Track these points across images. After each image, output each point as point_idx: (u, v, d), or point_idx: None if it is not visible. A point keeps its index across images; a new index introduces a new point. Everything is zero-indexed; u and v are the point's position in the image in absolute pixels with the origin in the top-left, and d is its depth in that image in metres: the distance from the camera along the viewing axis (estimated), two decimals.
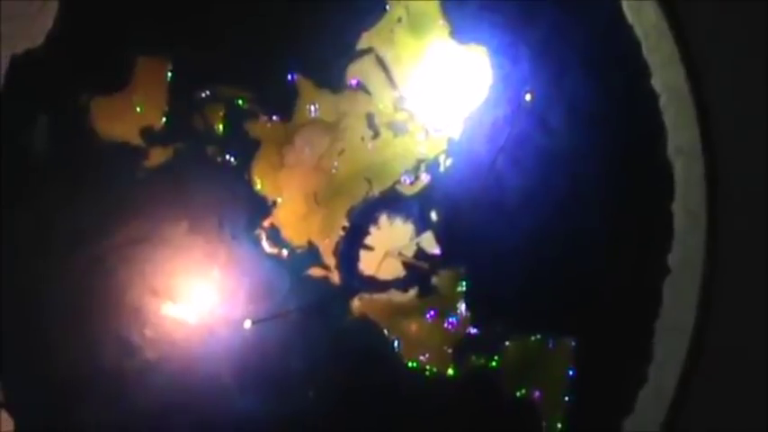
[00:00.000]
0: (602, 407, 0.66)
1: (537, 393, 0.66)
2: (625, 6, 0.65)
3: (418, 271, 0.64)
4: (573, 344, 0.66)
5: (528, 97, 0.63)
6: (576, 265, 0.66)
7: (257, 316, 0.62)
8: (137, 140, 0.61)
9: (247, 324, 0.61)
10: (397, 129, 0.63)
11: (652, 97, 0.65)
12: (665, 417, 0.66)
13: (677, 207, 0.66)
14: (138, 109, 0.60)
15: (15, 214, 0.59)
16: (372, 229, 0.64)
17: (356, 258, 0.64)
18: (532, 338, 0.65)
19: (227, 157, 0.62)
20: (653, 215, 0.66)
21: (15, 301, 0.59)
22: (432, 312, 0.65)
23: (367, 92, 0.63)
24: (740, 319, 0.66)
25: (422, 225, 0.64)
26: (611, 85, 0.65)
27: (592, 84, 0.65)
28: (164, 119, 0.61)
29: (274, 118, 0.62)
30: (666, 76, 0.65)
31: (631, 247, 0.66)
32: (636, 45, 0.65)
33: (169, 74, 0.61)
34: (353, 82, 0.63)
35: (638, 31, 0.65)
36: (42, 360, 0.60)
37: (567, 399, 0.66)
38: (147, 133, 0.61)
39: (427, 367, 0.65)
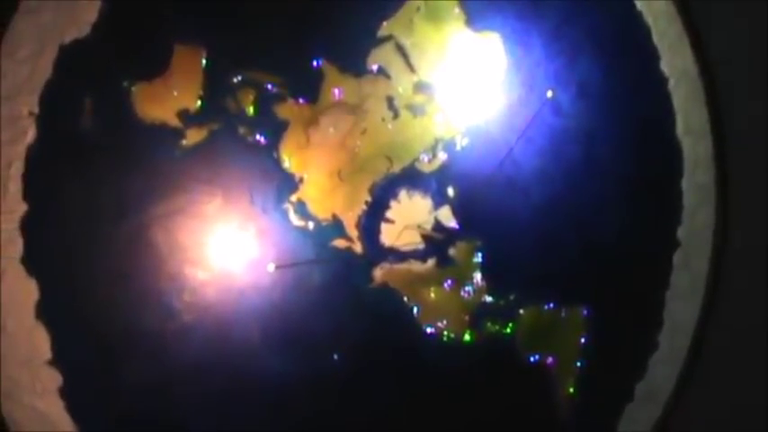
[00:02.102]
0: (614, 372, 0.71)
1: (550, 359, 0.71)
2: None
3: (435, 242, 0.68)
4: (585, 312, 0.70)
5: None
6: (589, 238, 0.70)
7: (283, 283, 0.67)
8: (174, 122, 0.66)
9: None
10: (415, 110, 0.68)
11: (662, 80, 0.69)
12: (675, 382, 0.70)
13: (686, 183, 0.70)
14: (175, 93, 0.66)
15: (66, 188, 0.65)
16: (393, 204, 0.69)
17: (378, 231, 0.68)
18: (545, 307, 0.70)
19: (258, 137, 0.67)
20: (663, 191, 0.70)
21: (66, 266, 0.65)
22: (449, 281, 0.69)
23: (387, 76, 0.68)
24: (747, 289, 0.70)
25: (439, 200, 0.69)
26: (622, 68, 0.69)
27: (603, 68, 0.69)
28: (199, 102, 0.66)
29: (301, 101, 0.67)
30: (675, 59, 0.69)
31: (643, 221, 0.70)
32: (645, 30, 0.69)
33: (204, 60, 0.66)
34: (375, 67, 0.68)
35: (648, 17, 0.69)
36: (89, 321, 0.66)
37: (579, 364, 0.70)
38: (183, 115, 0.67)
39: (445, 333, 0.69)
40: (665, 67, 0.69)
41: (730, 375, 0.71)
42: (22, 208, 0.64)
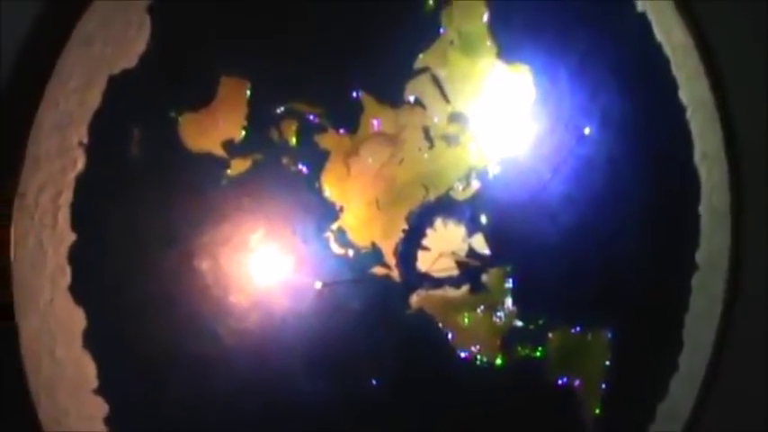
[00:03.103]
0: (637, 393, 0.97)
1: (577, 382, 1.01)
2: (654, 27, 0.99)
3: (469, 268, 0.99)
4: (609, 335, 1.02)
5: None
6: (612, 262, 1.01)
7: (324, 310, 0.96)
8: (219, 152, 0.93)
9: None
10: (450, 140, 0.98)
11: (680, 109, 1.00)
12: (694, 401, 1.03)
13: (703, 208, 1.02)
14: (220, 123, 0.94)
15: (113, 217, 0.91)
16: (429, 231, 0.99)
17: (414, 258, 0.98)
18: (572, 330, 1.01)
19: (300, 166, 0.96)
20: (682, 216, 1.01)
21: (112, 295, 0.92)
22: (482, 307, 1.00)
23: (423, 107, 0.96)
24: (764, 309, 1.03)
25: (473, 227, 0.98)
26: (643, 99, 0.99)
27: (625, 99, 1.00)
28: (243, 132, 0.95)
29: (341, 131, 0.96)
30: (692, 89, 1.00)
31: (663, 245, 1.02)
32: (665, 62, 1.01)
33: (248, 92, 0.95)
34: (411, 98, 0.94)
35: (667, 49, 1.00)
36: (135, 349, 0.91)
37: (604, 386, 1.02)
38: (228, 145, 0.94)
39: (478, 357, 1.00)
40: (682, 96, 0.95)
41: (747, 395, 1.05)
42: (71, 237, 0.86)
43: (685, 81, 0.97)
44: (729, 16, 0.95)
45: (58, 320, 0.86)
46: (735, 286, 0.98)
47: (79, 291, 0.87)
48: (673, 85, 0.97)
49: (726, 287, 0.98)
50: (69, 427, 0.87)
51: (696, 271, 0.98)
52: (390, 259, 0.91)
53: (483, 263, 0.92)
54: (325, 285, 0.88)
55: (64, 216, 0.86)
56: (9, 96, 0.85)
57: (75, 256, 0.87)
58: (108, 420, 0.88)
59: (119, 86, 0.88)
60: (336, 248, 0.91)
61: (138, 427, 0.88)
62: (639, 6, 0.94)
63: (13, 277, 0.85)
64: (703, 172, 0.96)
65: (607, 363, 0.96)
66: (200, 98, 0.90)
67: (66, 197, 0.86)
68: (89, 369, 0.88)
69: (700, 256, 0.98)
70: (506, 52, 0.93)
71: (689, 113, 0.97)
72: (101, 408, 0.87)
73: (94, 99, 0.87)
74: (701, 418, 0.97)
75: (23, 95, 0.85)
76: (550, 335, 0.96)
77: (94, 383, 0.89)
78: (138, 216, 0.88)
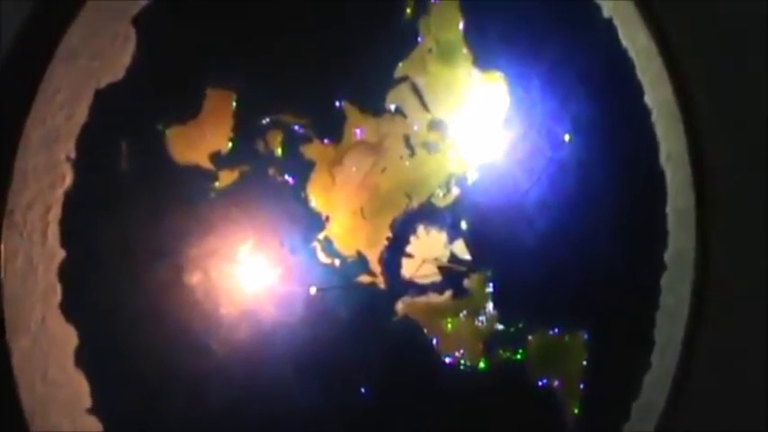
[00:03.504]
0: (613, 392, 1.10)
1: (556, 382, 1.17)
2: (620, 32, 1.16)
3: (455, 273, 1.15)
4: (585, 336, 1.19)
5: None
6: (587, 265, 1.16)
7: (312, 319, 1.10)
8: (207, 164, 1.05)
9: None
10: (430, 148, 1.12)
11: (646, 112, 1.20)
12: (667, 398, 1.21)
13: (670, 209, 1.21)
14: (207, 135, 1.08)
15: (102, 233, 1.02)
16: (412, 239, 1.14)
17: (399, 265, 1.13)
18: (550, 332, 1.18)
19: (286, 177, 1.09)
20: (650, 217, 1.18)
21: (103, 311, 1.03)
22: (464, 312, 1.16)
23: (404, 115, 1.09)
24: (730, 306, 1.21)
25: (453, 233, 1.13)
26: (611, 103, 1.17)
27: (594, 103, 1.17)
28: (230, 144, 1.08)
29: (326, 141, 1.10)
30: (656, 92, 1.18)
31: (633, 247, 1.19)
32: (630, 66, 1.19)
33: (234, 103, 1.09)
34: (392, 107, 1.08)
35: (632, 54, 1.18)
36: (127, 365, 1.00)
37: (582, 386, 1.19)
38: (215, 157, 1.06)
39: (461, 361, 1.15)
40: (648, 100, 1.08)
41: (717, 391, 1.23)
42: (61, 254, 0.94)
43: (649, 85, 1.10)
44: (690, 19, 1.13)
45: (49, 340, 0.95)
46: (701, 284, 1.12)
47: (70, 308, 0.95)
48: (638, 89, 1.10)
49: (693, 286, 1.13)
50: None
51: (665, 271, 1.12)
52: (376, 267, 1.05)
53: (467, 268, 1.08)
54: (319, 290, 1.02)
55: (53, 233, 0.95)
56: None
57: (66, 274, 0.96)
58: None
59: (105, 100, 0.95)
60: (323, 258, 1.03)
61: None
62: (605, 12, 1.11)
63: (3, 296, 0.96)
64: (669, 173, 1.13)
65: (584, 363, 1.11)
66: (187, 110, 0.98)
67: (56, 213, 0.95)
68: (82, 388, 0.96)
69: (668, 256, 1.12)
70: (481, 60, 1.08)
71: (654, 116, 1.11)
72: (95, 427, 0.97)
73: (81, 113, 0.95)
74: (673, 415, 1.14)
75: (9, 111, 0.96)
76: (530, 337, 1.08)
77: (88, 403, 0.97)
78: (128, 230, 0.97)
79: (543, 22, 1.09)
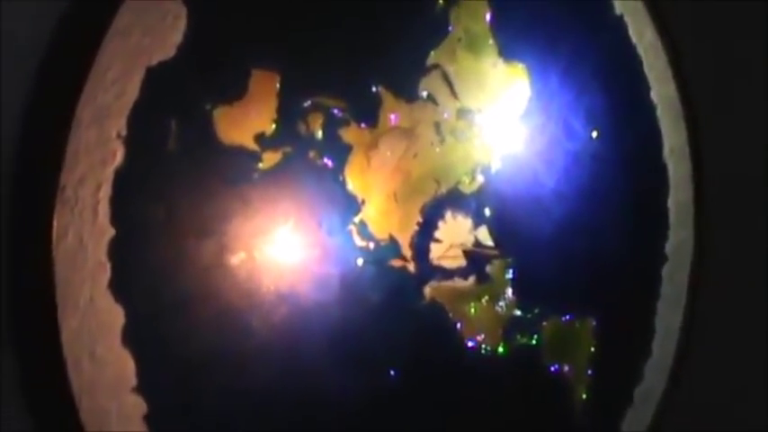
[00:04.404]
0: (617, 378, 1.19)
1: (567, 368, 1.28)
2: (630, 29, 1.28)
3: (479, 259, 1.24)
4: (594, 323, 1.30)
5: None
6: (596, 253, 1.27)
7: (346, 301, 1.17)
8: (252, 145, 1.11)
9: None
10: (458, 135, 1.21)
11: (651, 107, 1.29)
12: (665, 384, 1.32)
13: (672, 201, 1.32)
14: (252, 116, 1.14)
15: (151, 211, 1.07)
16: (440, 224, 1.22)
17: (428, 250, 1.21)
18: (563, 319, 1.28)
19: (326, 160, 1.16)
20: (654, 209, 1.28)
21: (149, 290, 1.08)
22: (486, 297, 1.25)
23: (435, 102, 1.19)
24: (726, 297, 1.33)
25: (478, 219, 1.22)
26: (620, 97, 1.28)
27: (605, 97, 1.27)
28: (273, 126, 1.15)
29: (362, 125, 1.18)
30: (661, 89, 1.28)
31: (638, 238, 1.29)
32: (638, 62, 1.29)
33: (278, 85, 1.15)
34: (424, 94, 1.18)
35: (640, 50, 1.29)
36: (172, 344, 1.04)
37: (590, 372, 1.30)
38: (260, 139, 1.13)
39: (483, 346, 1.24)
40: (653, 95, 1.16)
41: (712, 377, 1.34)
42: (111, 232, 0.98)
43: (655, 80, 1.19)
44: (697, 17, 1.24)
45: (97, 318, 0.99)
46: (698, 275, 1.22)
47: (118, 287, 0.99)
48: (645, 85, 1.19)
49: (690, 276, 1.22)
50: (110, 428, 1.03)
51: (666, 261, 1.21)
52: (407, 251, 1.13)
53: (495, 253, 1.17)
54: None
55: (103, 210, 0.99)
56: (48, 89, 1.00)
57: (115, 252, 1.00)
58: (147, 419, 1.02)
59: (156, 78, 0.99)
60: (359, 241, 1.12)
61: (176, 425, 1.04)
62: (617, 9, 1.21)
63: (54, 274, 1.00)
64: (671, 167, 1.23)
65: (592, 349, 1.22)
66: (233, 91, 1.03)
67: (106, 190, 0.99)
68: (128, 367, 1.00)
69: (669, 247, 1.21)
70: (505, 52, 1.17)
71: (659, 112, 1.20)
72: (140, 406, 1.02)
73: (133, 91, 1.00)
74: (672, 400, 1.25)
75: (62, 87, 1.00)
76: (544, 323, 1.17)
77: (134, 382, 1.01)
78: (175, 209, 1.01)
79: (560, 17, 1.17)
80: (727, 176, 1.23)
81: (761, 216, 1.22)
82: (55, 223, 0.99)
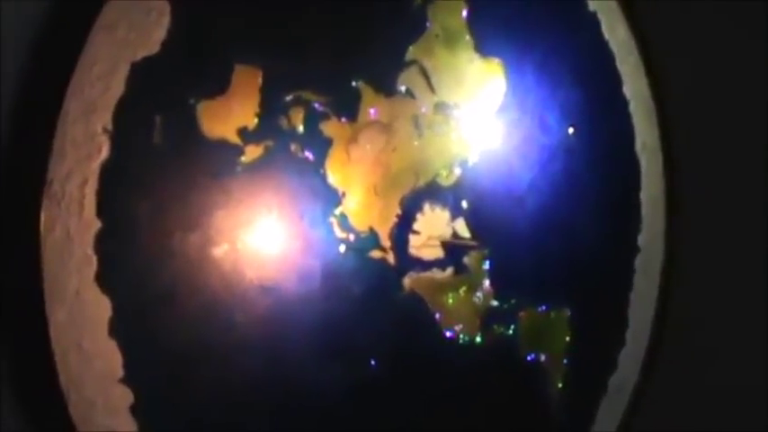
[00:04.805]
0: (592, 368, 1.24)
1: (543, 357, 1.33)
2: (603, 25, 1.33)
3: (456, 250, 1.29)
4: (569, 313, 1.35)
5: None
6: (570, 245, 1.31)
7: (327, 292, 1.22)
8: (235, 139, 1.15)
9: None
10: (436, 129, 1.26)
11: (624, 102, 1.34)
12: (638, 374, 1.38)
13: (644, 195, 1.37)
14: (235, 111, 1.18)
15: (136, 205, 1.12)
16: (418, 216, 1.27)
17: (407, 241, 1.26)
18: (539, 309, 1.33)
19: (307, 153, 1.21)
20: (626, 202, 1.33)
21: (135, 283, 1.12)
22: (464, 288, 1.30)
23: (413, 97, 1.24)
24: (698, 288, 1.37)
25: (456, 212, 1.26)
26: (594, 93, 1.32)
27: (579, 92, 1.33)
28: (256, 120, 1.19)
29: (343, 119, 1.22)
30: (633, 84, 1.33)
31: (612, 230, 1.35)
32: (611, 57, 1.36)
33: (260, 80, 1.19)
34: (403, 88, 1.23)
35: (613, 46, 1.34)
36: (158, 336, 1.08)
37: (565, 362, 1.35)
38: (243, 132, 1.17)
39: (461, 336, 1.29)
40: (626, 91, 1.21)
41: (684, 366, 1.40)
42: (97, 225, 1.02)
43: (627, 76, 1.24)
44: (669, 13, 1.30)
45: (84, 311, 1.03)
46: (670, 267, 1.27)
47: (105, 280, 1.03)
48: (618, 80, 1.24)
49: (662, 268, 1.28)
50: (96, 420, 1.07)
51: (638, 253, 1.26)
52: (386, 243, 1.18)
53: (472, 244, 1.22)
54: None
55: (90, 204, 1.03)
56: (35, 85, 1.04)
57: (101, 245, 1.04)
58: (134, 409, 1.07)
59: (141, 73, 1.03)
60: (339, 233, 1.16)
61: (162, 415, 1.09)
62: (591, 6, 1.27)
63: (42, 268, 1.04)
64: (644, 161, 1.29)
65: (567, 339, 1.28)
66: (217, 86, 1.07)
67: (92, 184, 1.03)
68: (115, 359, 1.04)
69: (641, 240, 1.26)
70: (482, 47, 1.22)
71: (632, 107, 1.25)
72: (127, 396, 1.06)
73: (118, 86, 1.04)
74: (645, 389, 1.30)
75: (49, 82, 1.05)
76: (521, 314, 1.21)
77: (120, 373, 1.04)
78: (160, 203, 1.07)
79: (536, 14, 1.22)
80: (700, 170, 1.29)
81: (733, 209, 1.26)
82: (42, 217, 1.02)
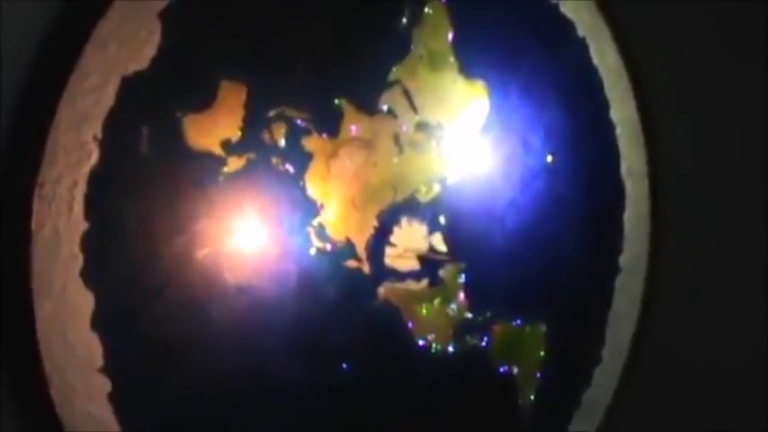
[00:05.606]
0: (566, 382, 1.34)
1: (515, 370, 1.44)
2: (592, 50, 1.44)
3: (432, 263, 1.42)
4: (544, 329, 1.47)
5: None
6: (549, 263, 1.40)
7: (303, 297, 1.36)
8: (218, 151, 1.29)
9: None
10: (416, 147, 1.38)
11: (610, 126, 1.40)
12: (614, 391, 1.48)
13: (627, 217, 1.47)
14: (219, 124, 1.33)
15: (123, 209, 1.25)
16: (395, 229, 1.39)
17: (383, 253, 1.38)
18: (514, 323, 1.46)
19: (287, 166, 1.34)
20: (609, 223, 1.42)
21: (119, 281, 1.26)
22: (438, 299, 1.43)
23: (395, 116, 1.34)
24: (677, 310, 1.36)
25: (433, 227, 1.37)
26: (580, 115, 1.44)
27: (565, 114, 1.44)
28: (239, 133, 1.34)
29: (324, 135, 1.35)
30: (621, 109, 1.41)
31: (592, 249, 1.44)
32: (599, 83, 1.45)
33: (244, 96, 1.34)
34: (385, 107, 1.28)
35: (602, 72, 1.44)
36: (138, 331, 1.19)
37: (538, 375, 1.46)
38: (226, 145, 1.30)
39: (433, 345, 1.41)
40: (613, 115, 1.30)
41: (660, 385, 1.50)
42: (84, 226, 1.16)
43: (616, 101, 1.33)
44: (660, 40, 1.40)
45: (69, 305, 1.16)
46: (652, 288, 1.37)
47: (89, 277, 1.17)
48: (606, 105, 1.33)
49: (644, 289, 1.38)
50: (76, 404, 1.22)
51: (619, 273, 1.36)
52: (362, 253, 1.31)
53: (448, 258, 1.34)
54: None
55: (78, 205, 1.16)
56: (30, 95, 1.18)
57: (87, 244, 1.17)
58: (111, 397, 1.20)
59: (131, 87, 1.15)
60: (316, 242, 1.30)
61: (138, 403, 1.21)
62: (580, 31, 1.38)
63: (32, 264, 1.20)
64: (629, 185, 1.37)
65: (542, 354, 1.39)
66: (203, 100, 1.19)
67: (81, 188, 1.16)
68: (96, 350, 1.17)
69: (623, 260, 1.36)
70: (466, 69, 1.35)
71: (618, 131, 1.35)
72: (105, 384, 1.20)
73: (108, 98, 1.17)
74: (618, 405, 1.37)
75: (44, 92, 1.20)
76: (495, 326, 1.32)
77: (100, 363, 1.17)
78: (145, 207, 1.19)
79: (523, 35, 1.32)
80: (685, 194, 1.38)
81: (716, 231, 1.35)
82: (33, 217, 1.15)
